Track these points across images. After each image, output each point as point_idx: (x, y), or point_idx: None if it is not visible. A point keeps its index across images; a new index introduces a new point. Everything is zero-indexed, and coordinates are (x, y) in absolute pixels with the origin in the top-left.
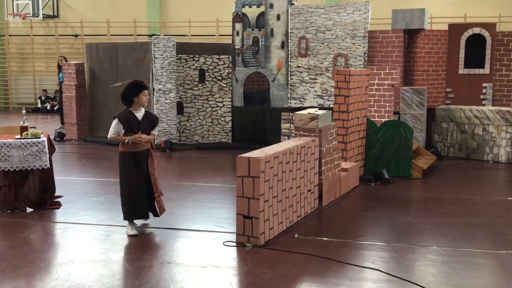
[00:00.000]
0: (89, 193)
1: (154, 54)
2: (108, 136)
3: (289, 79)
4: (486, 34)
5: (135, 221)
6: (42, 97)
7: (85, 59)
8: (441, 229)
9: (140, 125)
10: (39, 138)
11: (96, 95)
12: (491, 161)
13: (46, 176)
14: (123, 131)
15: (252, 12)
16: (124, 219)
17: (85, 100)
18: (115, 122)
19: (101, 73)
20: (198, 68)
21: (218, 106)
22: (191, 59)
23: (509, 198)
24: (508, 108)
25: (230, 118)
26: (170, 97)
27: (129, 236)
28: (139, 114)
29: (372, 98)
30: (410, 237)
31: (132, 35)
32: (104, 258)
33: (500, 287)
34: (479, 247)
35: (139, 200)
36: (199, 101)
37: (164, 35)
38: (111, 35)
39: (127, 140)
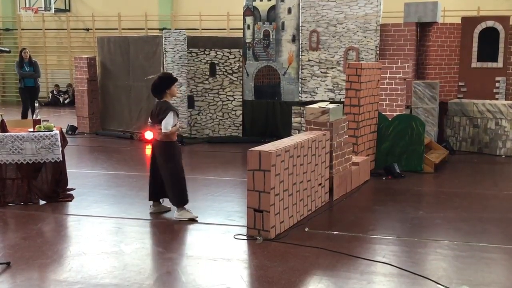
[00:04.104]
0: (101, 186)
1: (165, 48)
2: (168, 129)
3: (300, 72)
4: (499, 27)
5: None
6: (54, 91)
7: (96, 53)
8: (453, 224)
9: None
10: (52, 131)
11: (108, 89)
12: (503, 156)
13: (58, 169)
14: (176, 122)
15: (263, 6)
16: (182, 204)
17: (97, 94)
18: (172, 114)
19: (113, 67)
20: (209, 61)
21: (229, 100)
22: (202, 52)
23: None
24: None
25: (241, 112)
26: (181, 90)
27: (190, 219)
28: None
29: (383, 92)
30: (421, 232)
31: (143, 28)
32: (116, 250)
33: None
34: (491, 242)
35: (185, 184)
36: (209, 94)
37: (175, 29)
38: (122, 29)
39: (180, 128)
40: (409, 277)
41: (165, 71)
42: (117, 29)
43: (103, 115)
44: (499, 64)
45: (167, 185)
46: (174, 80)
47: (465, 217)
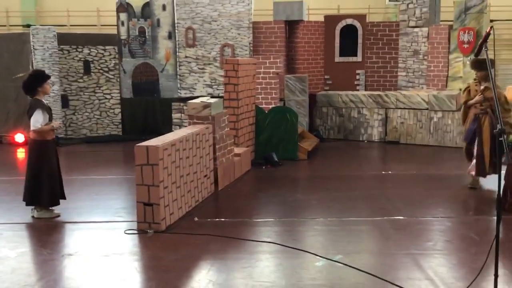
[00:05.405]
0: None
1: (33, 46)
2: (37, 126)
3: (178, 69)
4: (357, 24)
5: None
6: None
7: None
8: (326, 203)
9: (51, 112)
10: None
11: None
12: (366, 141)
13: None
14: (47, 120)
15: (137, 2)
16: (54, 205)
17: None
18: (39, 111)
19: None
20: (82, 59)
21: (106, 98)
22: (74, 50)
23: (383, 172)
24: (379, 92)
25: (119, 110)
26: (53, 90)
27: (50, 218)
28: (45, 102)
29: (259, 86)
30: (300, 212)
31: (5, 25)
32: (0, 255)
33: (379, 248)
34: (359, 216)
35: (57, 185)
36: (85, 93)
37: (41, 25)
38: None
39: (54, 126)
40: (292, 252)
41: (35, 69)
42: None
43: None
44: (359, 58)
45: (33, 184)
46: (46, 77)
47: (336, 196)
